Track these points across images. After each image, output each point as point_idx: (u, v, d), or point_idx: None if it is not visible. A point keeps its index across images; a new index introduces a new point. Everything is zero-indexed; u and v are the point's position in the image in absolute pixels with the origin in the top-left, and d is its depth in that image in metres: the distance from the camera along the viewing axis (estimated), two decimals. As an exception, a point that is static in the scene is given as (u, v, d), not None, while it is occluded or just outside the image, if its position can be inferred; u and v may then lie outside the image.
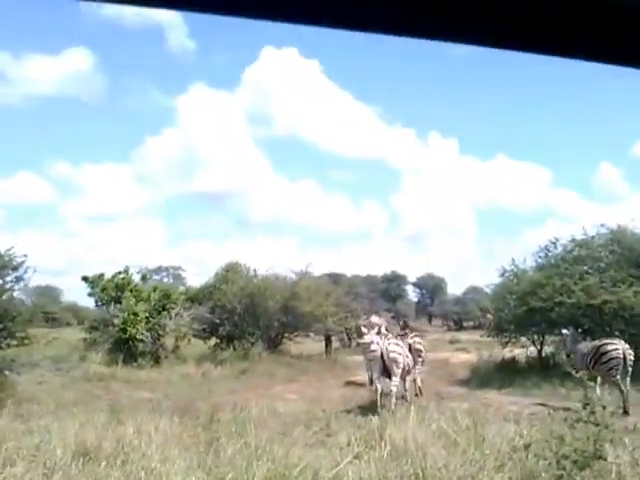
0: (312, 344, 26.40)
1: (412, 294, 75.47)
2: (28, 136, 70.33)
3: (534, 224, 78.45)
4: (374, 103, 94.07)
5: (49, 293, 63.15)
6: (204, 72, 74.53)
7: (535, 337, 18.51)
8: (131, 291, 21.86)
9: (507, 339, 18.20)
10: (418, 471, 6.39)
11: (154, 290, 21.38)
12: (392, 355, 12.66)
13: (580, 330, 15.37)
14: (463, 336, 39.01)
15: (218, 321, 23.49)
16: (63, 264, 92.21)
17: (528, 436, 7.36)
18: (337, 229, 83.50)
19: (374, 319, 43.26)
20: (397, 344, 13.12)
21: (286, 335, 23.42)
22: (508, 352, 18.79)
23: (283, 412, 12.03)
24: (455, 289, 74.39)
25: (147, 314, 20.36)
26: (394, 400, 11.95)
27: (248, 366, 19.90)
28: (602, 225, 18.43)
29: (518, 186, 75.33)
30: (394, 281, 72.99)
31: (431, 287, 76.46)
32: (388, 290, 72.39)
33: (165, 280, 62.08)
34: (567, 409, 8.95)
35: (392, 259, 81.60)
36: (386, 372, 12.67)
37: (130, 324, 19.63)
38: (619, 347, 12.84)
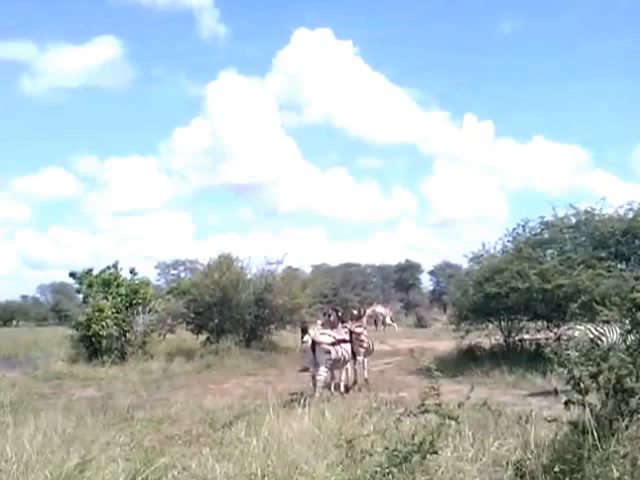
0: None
1: (428, 283, 74.29)
2: (54, 130, 70.89)
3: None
4: (410, 86, 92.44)
5: (64, 290, 63.78)
6: (234, 58, 74.40)
7: (504, 323, 17.99)
8: (108, 286, 21.78)
9: (467, 327, 17.66)
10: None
11: (117, 286, 21.22)
12: (321, 346, 12.36)
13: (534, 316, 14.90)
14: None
15: (193, 315, 23.37)
16: (88, 260, 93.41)
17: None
18: (365, 218, 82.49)
19: (378, 309, 43.04)
20: (328, 335, 12.77)
21: (260, 328, 23.10)
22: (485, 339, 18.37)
23: (207, 408, 11.78)
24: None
25: (114, 310, 20.24)
26: (319, 390, 11.71)
27: (216, 360, 19.77)
28: (571, 206, 17.90)
29: (555, 169, 73.09)
30: (408, 270, 72.27)
31: (448, 275, 75.52)
32: (401, 279, 71.91)
33: (182, 274, 62.40)
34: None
35: (420, 247, 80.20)
36: (317, 363, 12.40)
37: (95, 320, 19.55)
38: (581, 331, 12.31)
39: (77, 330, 20.77)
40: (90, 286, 22.10)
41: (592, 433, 5.67)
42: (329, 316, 15.38)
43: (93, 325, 19.47)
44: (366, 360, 14.94)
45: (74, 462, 5.87)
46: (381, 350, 16.92)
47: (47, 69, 78.88)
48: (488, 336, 17.68)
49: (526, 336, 17.10)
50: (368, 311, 32.03)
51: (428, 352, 20.99)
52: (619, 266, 14.23)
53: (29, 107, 69.01)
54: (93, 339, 19.49)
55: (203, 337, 23.45)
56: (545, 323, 16.43)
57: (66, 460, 5.96)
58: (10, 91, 69.91)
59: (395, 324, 38.00)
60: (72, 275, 23.31)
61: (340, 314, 14.72)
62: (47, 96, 72.94)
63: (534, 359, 14.25)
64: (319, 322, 16.44)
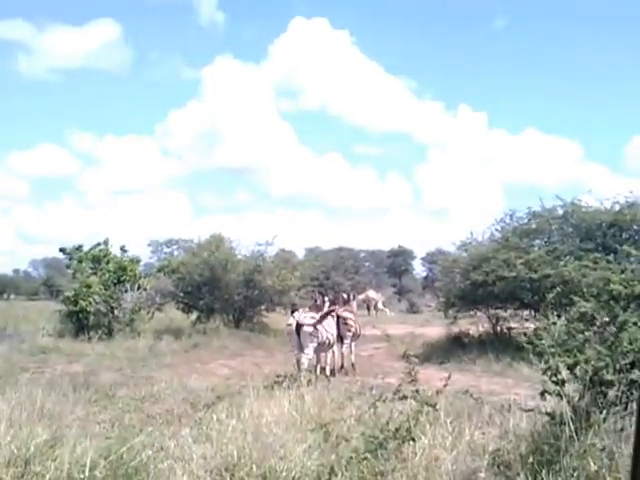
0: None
1: (421, 269, 74.31)
2: (51, 108, 70.55)
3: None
4: (405, 75, 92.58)
5: (56, 265, 63.48)
6: (231, 44, 73.95)
7: (492, 311, 18.02)
8: (98, 262, 21.72)
9: (454, 314, 17.70)
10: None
11: (107, 262, 21.16)
12: (305, 329, 12.33)
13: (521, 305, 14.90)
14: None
15: (182, 294, 23.35)
16: (83, 237, 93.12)
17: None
18: (359, 203, 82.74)
19: (371, 294, 43.06)
20: (312, 317, 12.74)
21: (250, 309, 23.09)
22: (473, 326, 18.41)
23: (191, 388, 11.78)
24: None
25: (102, 286, 20.19)
26: (302, 373, 11.69)
27: (204, 340, 19.75)
28: (558, 197, 17.90)
29: (548, 160, 73.39)
30: (400, 256, 72.25)
31: (440, 262, 75.37)
32: (394, 265, 71.93)
33: (176, 253, 62.19)
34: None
35: (413, 233, 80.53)
36: (301, 346, 12.39)
37: (82, 296, 19.49)
38: None
39: (65, 305, 20.73)
40: (80, 262, 22.04)
41: (569, 425, 5.66)
42: (315, 300, 15.37)
43: (80, 301, 19.41)
44: (353, 344, 14.96)
45: (44, 437, 5.83)
46: (371, 335, 16.98)
47: (45, 49, 78.44)
48: (476, 324, 17.71)
49: (513, 325, 17.13)
50: (361, 296, 32.19)
51: (418, 338, 21.11)
52: (606, 258, 14.17)
53: (26, 86, 68.58)
54: (80, 315, 19.44)
55: (193, 316, 23.45)
56: (532, 312, 16.46)
57: (37, 436, 5.91)
58: (7, 70, 69.32)
59: (387, 309, 38.11)
60: (62, 250, 23.29)
61: (328, 298, 14.67)
62: (45, 76, 72.50)
63: (522, 348, 14.25)
64: (308, 306, 16.41)
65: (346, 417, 6.56)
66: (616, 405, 5.86)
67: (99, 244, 22.78)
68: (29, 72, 69.76)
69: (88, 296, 19.55)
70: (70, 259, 22.80)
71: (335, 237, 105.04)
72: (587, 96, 68.21)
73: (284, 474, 5.66)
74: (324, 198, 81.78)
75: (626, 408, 5.79)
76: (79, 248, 22.77)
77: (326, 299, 15.23)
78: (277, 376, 12.31)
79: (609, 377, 5.90)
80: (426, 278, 73.75)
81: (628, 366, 6.03)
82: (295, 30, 76.16)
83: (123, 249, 23.10)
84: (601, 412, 5.79)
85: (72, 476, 5.36)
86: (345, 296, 16.32)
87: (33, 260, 76.32)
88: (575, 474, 5.20)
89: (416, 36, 75.54)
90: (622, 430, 5.52)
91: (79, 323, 19.42)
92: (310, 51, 72.43)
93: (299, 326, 12.41)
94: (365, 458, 5.51)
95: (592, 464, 5.24)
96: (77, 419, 8.17)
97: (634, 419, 5.56)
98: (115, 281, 20.78)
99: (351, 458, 5.47)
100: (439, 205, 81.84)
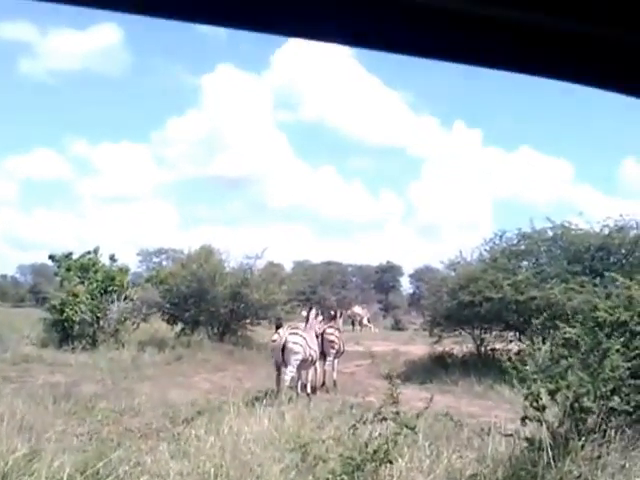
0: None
1: (409, 286, 74.19)
2: (49, 112, 70.27)
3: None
4: (403, 89, 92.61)
5: (44, 272, 62.85)
6: (233, 53, 73.67)
7: (477, 332, 18.02)
8: (86, 271, 21.57)
9: (439, 334, 17.68)
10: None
11: (95, 272, 21.03)
12: (289, 345, 12.28)
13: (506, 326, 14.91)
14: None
15: (168, 306, 23.22)
16: (74, 244, 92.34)
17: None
18: (351, 217, 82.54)
19: (356, 309, 42.87)
20: (299, 335, 12.70)
21: (235, 322, 22.97)
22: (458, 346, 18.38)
23: (171, 401, 11.70)
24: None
25: (88, 296, 20.05)
26: (284, 390, 11.65)
27: (187, 353, 19.61)
28: (548, 219, 17.94)
29: (540, 180, 73.51)
30: (388, 272, 72.19)
31: (425, 281, 75.32)
32: (381, 281, 71.90)
33: (165, 263, 61.91)
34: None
35: (403, 250, 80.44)
36: (285, 362, 12.34)
37: (68, 305, 19.34)
38: None
39: (50, 313, 20.50)
40: (68, 270, 21.86)
41: (547, 451, 5.66)
42: (333, 317, 15.42)
43: (67, 310, 19.23)
44: (336, 361, 14.90)
45: (22, 452, 5.77)
46: (355, 351, 16.94)
47: (46, 51, 78.32)
48: (460, 344, 17.70)
49: (498, 346, 17.13)
50: (347, 312, 32.08)
51: (402, 356, 21.05)
52: (592, 282, 14.26)
53: (26, 88, 68.43)
54: (65, 324, 19.24)
55: (178, 328, 23.27)
56: (517, 334, 16.48)
57: (16, 450, 5.85)
58: (8, 71, 69.15)
59: (372, 325, 38.01)
60: (51, 258, 23.10)
61: (316, 313, 14.56)
62: (44, 78, 72.31)
63: (504, 370, 14.26)
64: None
65: (325, 437, 6.53)
66: (595, 432, 5.87)
67: (89, 252, 22.60)
68: (29, 74, 69.68)
69: (74, 305, 19.37)
70: (59, 267, 22.60)
71: (325, 251, 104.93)
72: (582, 117, 68.67)
73: (260, 494, 5.62)
74: (317, 212, 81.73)
75: (604, 436, 5.79)
76: (68, 256, 22.59)
77: (312, 312, 15.07)
78: (258, 392, 12.39)
79: (589, 404, 5.91)
80: (413, 295, 73.75)
81: (609, 393, 6.05)
82: (296, 41, 76.50)
83: (112, 258, 22.98)
84: (580, 439, 5.79)
85: (49, 491, 5.30)
86: (332, 313, 16.27)
87: (21, 265, 75.46)
88: (550, 501, 5.19)
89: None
90: (599, 458, 5.52)
91: (64, 332, 19.22)
92: (310, 63, 72.74)
93: (284, 343, 12.37)
94: (341, 480, 5.48)
95: (568, 492, 5.24)
96: (56, 432, 8.08)
97: (612, 447, 5.58)
98: (102, 291, 20.61)
99: (327, 479, 5.43)
100: (430, 221, 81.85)
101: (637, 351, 6.29)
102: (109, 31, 79.99)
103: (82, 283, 20.99)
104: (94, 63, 74.39)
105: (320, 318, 14.73)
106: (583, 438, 5.80)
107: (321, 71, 71.23)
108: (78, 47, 70.84)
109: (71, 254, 22.65)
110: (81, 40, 72.44)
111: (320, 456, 5.79)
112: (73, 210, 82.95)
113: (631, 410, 5.99)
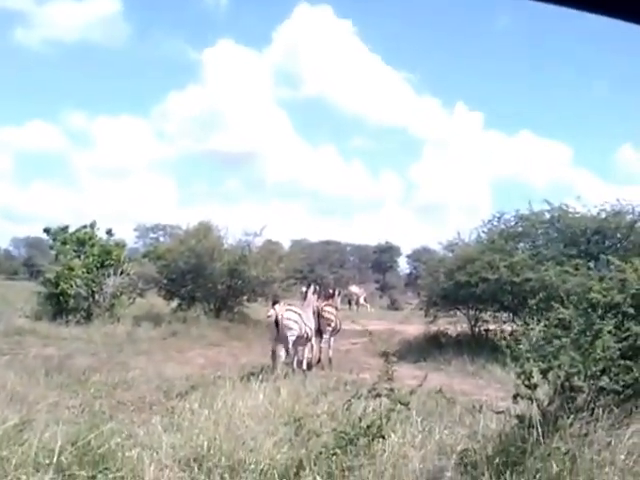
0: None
1: (406, 266, 74.19)
2: (45, 83, 69.32)
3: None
4: (405, 69, 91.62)
5: (38, 245, 62.59)
6: (234, 28, 72.75)
7: (472, 312, 18.11)
8: (83, 245, 21.57)
9: (435, 314, 17.79)
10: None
11: (91, 246, 21.03)
12: (285, 322, 12.34)
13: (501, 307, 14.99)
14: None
15: (165, 281, 23.27)
16: (69, 217, 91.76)
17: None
18: (351, 196, 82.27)
19: (353, 288, 42.99)
20: (294, 311, 12.75)
21: (232, 299, 23.04)
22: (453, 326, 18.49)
23: (165, 376, 11.77)
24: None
25: (84, 270, 20.08)
26: (279, 366, 11.73)
27: (183, 328, 19.68)
28: (546, 201, 17.96)
29: (539, 163, 73.47)
30: (386, 252, 72.28)
31: (422, 261, 75.31)
32: (379, 261, 72.02)
33: (162, 239, 61.80)
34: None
35: (402, 230, 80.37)
36: (279, 338, 12.41)
37: (64, 279, 19.36)
38: None
39: (45, 287, 20.56)
40: (64, 243, 21.88)
41: (537, 428, 5.73)
42: (331, 295, 15.46)
43: (62, 283, 19.28)
44: (332, 339, 14.98)
45: (13, 422, 5.80)
46: (351, 330, 17.02)
47: (43, 21, 77.24)
48: (454, 324, 17.81)
49: (491, 326, 17.24)
50: (344, 292, 32.19)
51: (397, 335, 21.14)
52: (587, 265, 14.32)
53: (21, 58, 67.39)
54: (60, 297, 19.31)
55: (174, 304, 23.36)
56: (511, 315, 16.58)
57: (6, 419, 5.88)
58: (2, 40, 68.14)
59: (368, 305, 38.17)
60: (46, 231, 23.06)
61: (315, 290, 14.58)
62: (40, 48, 71.30)
63: (497, 349, 14.37)
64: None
65: (319, 412, 6.58)
66: (583, 411, 5.93)
67: (85, 226, 22.58)
68: (25, 44, 68.54)
69: (70, 279, 19.42)
70: (54, 240, 22.60)
71: (324, 229, 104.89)
72: (582, 101, 68.33)
73: (252, 466, 5.66)
74: (316, 190, 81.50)
75: (592, 414, 5.86)
76: (65, 229, 22.56)
77: (310, 289, 15.09)
78: (253, 368, 12.46)
79: (579, 383, 5.97)
80: (409, 275, 73.88)
81: (599, 373, 6.11)
82: (299, 17, 75.74)
83: (109, 232, 22.96)
84: (568, 417, 5.86)
85: (38, 461, 5.33)
86: (330, 291, 16.33)
87: (14, 238, 75.13)
88: (538, 476, 5.28)
89: (418, 30, 75.21)
90: (586, 435, 5.59)
91: (58, 306, 19.29)
92: (312, 39, 72.08)
93: (278, 319, 12.42)
94: (334, 453, 5.54)
95: (555, 466, 5.32)
96: (48, 404, 8.13)
97: (599, 425, 5.65)
98: (98, 265, 20.64)
99: (320, 453, 5.50)
100: (430, 202, 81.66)
101: (628, 332, 6.33)
102: (108, 1, 78.89)
103: (78, 257, 21.05)
104: (92, 33, 73.45)
105: (316, 296, 14.75)
106: (572, 416, 5.86)
107: (323, 49, 70.69)
108: (75, 16, 69.71)
109: (67, 227, 22.67)
110: (78, 9, 71.33)
111: (314, 430, 5.85)
112: (69, 183, 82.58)
113: (620, 390, 6.05)
